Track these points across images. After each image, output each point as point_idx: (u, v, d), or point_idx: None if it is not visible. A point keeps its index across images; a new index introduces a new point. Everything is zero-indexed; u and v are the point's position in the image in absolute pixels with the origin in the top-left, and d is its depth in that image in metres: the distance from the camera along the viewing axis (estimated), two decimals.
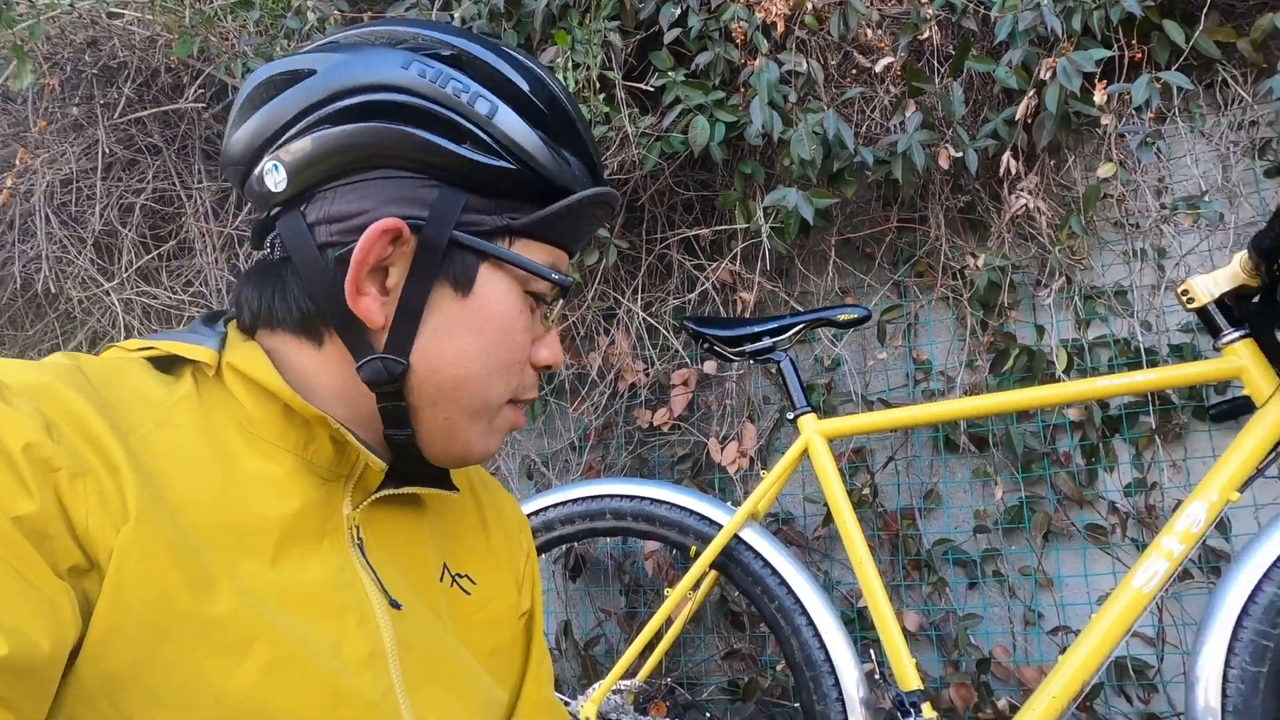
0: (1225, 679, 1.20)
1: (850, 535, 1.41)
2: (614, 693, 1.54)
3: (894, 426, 1.47)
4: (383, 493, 0.59)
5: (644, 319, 1.91)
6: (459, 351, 0.56)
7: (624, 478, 1.62)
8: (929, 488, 1.75)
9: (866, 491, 1.74)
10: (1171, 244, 1.65)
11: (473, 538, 0.69)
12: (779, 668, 1.76)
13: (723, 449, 1.88)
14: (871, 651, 1.36)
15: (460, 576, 0.67)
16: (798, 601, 1.42)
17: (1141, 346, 1.64)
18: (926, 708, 1.29)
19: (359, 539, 0.57)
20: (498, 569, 0.70)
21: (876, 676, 1.33)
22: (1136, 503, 1.61)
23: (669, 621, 1.55)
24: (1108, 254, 1.71)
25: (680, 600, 1.47)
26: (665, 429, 1.95)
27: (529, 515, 1.63)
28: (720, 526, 1.49)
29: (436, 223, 0.55)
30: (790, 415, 1.50)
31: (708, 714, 1.50)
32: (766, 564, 1.45)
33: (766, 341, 1.53)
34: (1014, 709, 1.57)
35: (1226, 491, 1.26)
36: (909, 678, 1.31)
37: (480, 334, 0.56)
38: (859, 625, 1.71)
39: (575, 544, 1.96)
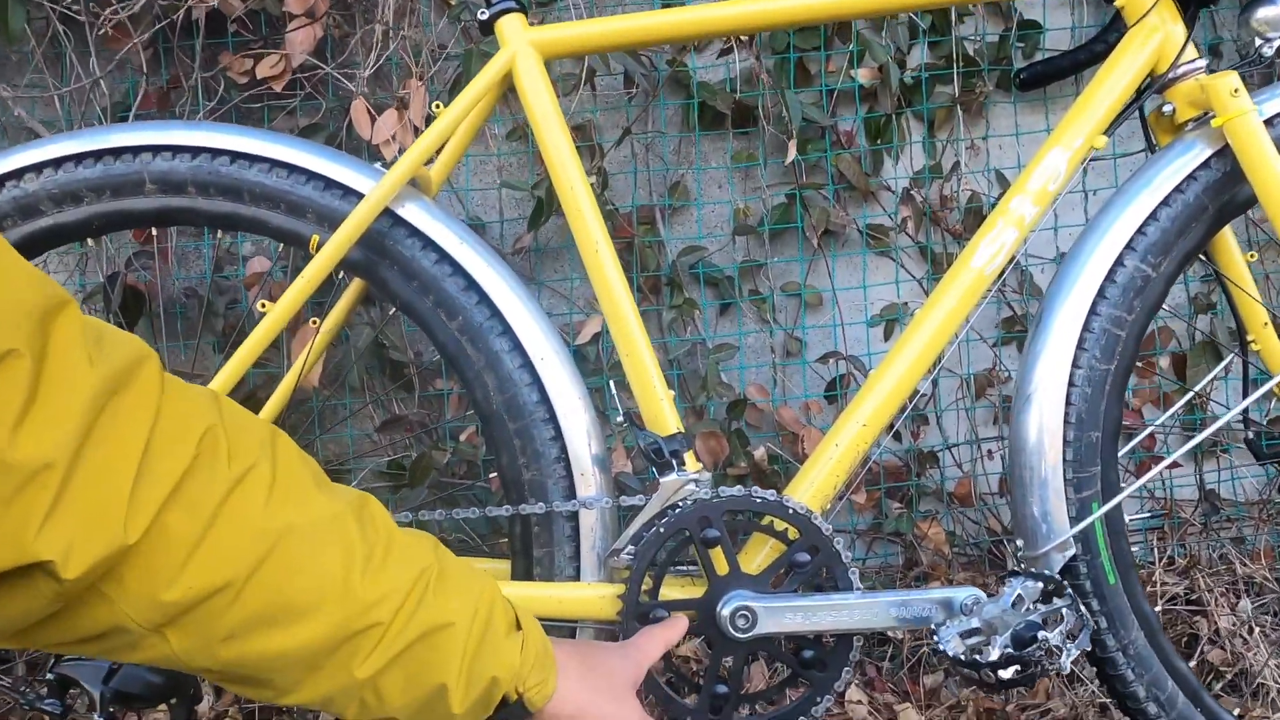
0: (1071, 382, 0.90)
1: (580, 209, 0.90)
2: None
3: (646, 41, 0.94)
4: None
5: None
6: None
7: (184, 121, 0.91)
8: (676, 179, 1.28)
9: (593, 181, 1.22)
10: None
11: None
12: (464, 437, 1.25)
13: (375, 118, 1.23)
14: (611, 386, 0.88)
15: None
16: (495, 314, 0.88)
17: None
18: (689, 458, 0.86)
19: None
20: None
21: (619, 420, 0.86)
22: (929, 193, 1.28)
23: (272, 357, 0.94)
24: None
25: (287, 319, 0.85)
26: (279, 86, 1.23)
27: None
28: (359, 197, 0.87)
29: None
30: (482, 14, 0.90)
31: None
32: (443, 257, 0.88)
33: None
34: (774, 459, 1.24)
35: (1092, 136, 0.93)
36: (665, 417, 0.87)
37: None
38: None
39: (93, 244, 1.21)
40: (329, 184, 0.88)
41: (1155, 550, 1.27)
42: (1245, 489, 1.32)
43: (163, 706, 1.07)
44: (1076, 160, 0.93)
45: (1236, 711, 1.11)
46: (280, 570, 0.42)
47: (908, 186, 1.28)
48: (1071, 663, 0.66)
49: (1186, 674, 0.92)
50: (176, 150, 0.89)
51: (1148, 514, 1.18)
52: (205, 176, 0.89)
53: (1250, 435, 1.03)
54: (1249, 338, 1.01)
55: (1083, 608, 0.71)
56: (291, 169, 0.88)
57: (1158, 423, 1.13)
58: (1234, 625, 1.22)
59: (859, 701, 1.17)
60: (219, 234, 1.22)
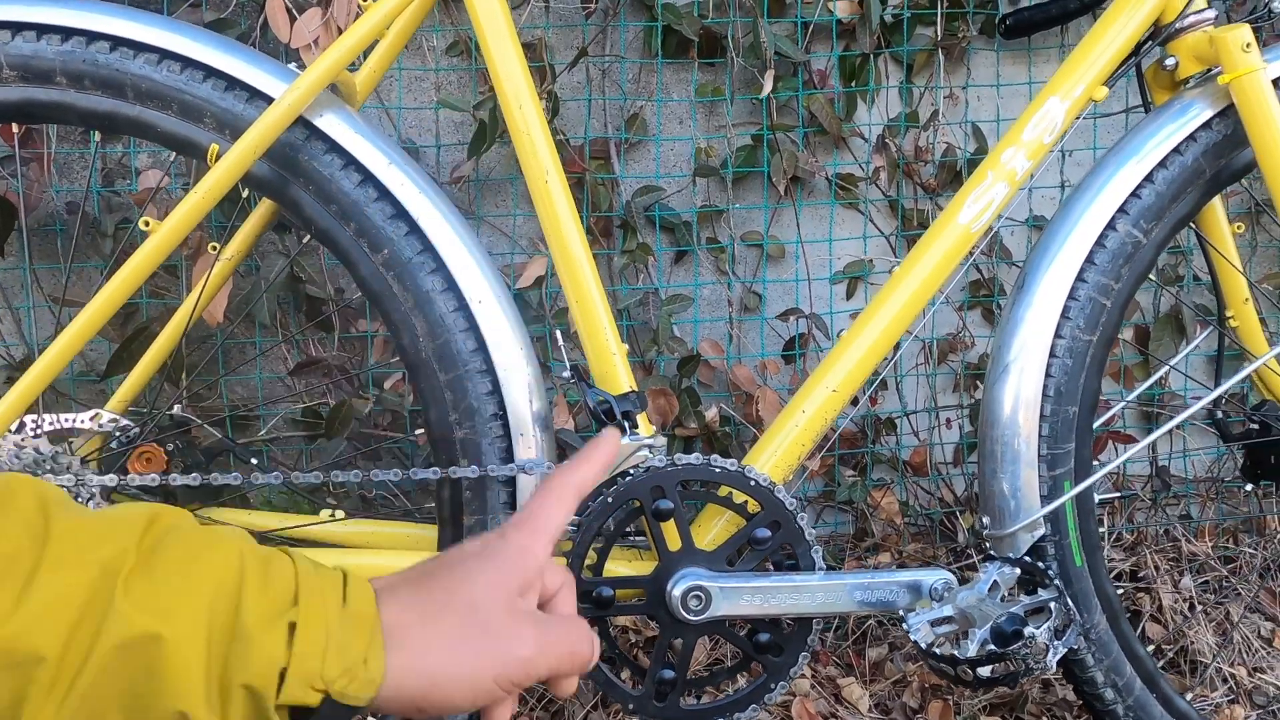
0: (1052, 353, 0.85)
1: (527, 131, 0.79)
2: (53, 434, 0.79)
3: None
4: None
5: None
6: None
7: None
8: (634, 111, 1.17)
9: (543, 105, 1.10)
10: None
11: None
12: (389, 384, 1.14)
13: (295, 18, 1.08)
14: (556, 335, 0.79)
15: None
16: (427, 248, 0.77)
17: None
18: (643, 421, 0.77)
19: None
20: None
21: (565, 375, 0.76)
22: (904, 143, 1.20)
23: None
24: None
25: (176, 241, 0.73)
26: None
27: None
28: (268, 101, 0.74)
29: None
30: None
31: (253, 459, 0.86)
32: (367, 179, 0.77)
33: None
34: (726, 420, 1.16)
35: (1093, 86, 0.86)
36: (617, 374, 0.79)
37: None
38: None
39: None
40: (232, 83, 0.75)
41: (1104, 526, 1.25)
42: (1195, 466, 1.31)
43: None
44: (1074, 112, 0.86)
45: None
46: None
47: (882, 134, 1.20)
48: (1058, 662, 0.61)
49: (1144, 658, 0.89)
50: (42, 30, 0.74)
51: (1118, 493, 1.15)
52: (79, 65, 0.74)
53: (1220, 414, 1.00)
54: (1228, 313, 0.97)
55: (1070, 602, 0.66)
56: (186, 62, 0.75)
57: (1132, 397, 1.10)
58: (1176, 602, 1.22)
59: (802, 675, 1.12)
60: (100, 138, 1.06)
